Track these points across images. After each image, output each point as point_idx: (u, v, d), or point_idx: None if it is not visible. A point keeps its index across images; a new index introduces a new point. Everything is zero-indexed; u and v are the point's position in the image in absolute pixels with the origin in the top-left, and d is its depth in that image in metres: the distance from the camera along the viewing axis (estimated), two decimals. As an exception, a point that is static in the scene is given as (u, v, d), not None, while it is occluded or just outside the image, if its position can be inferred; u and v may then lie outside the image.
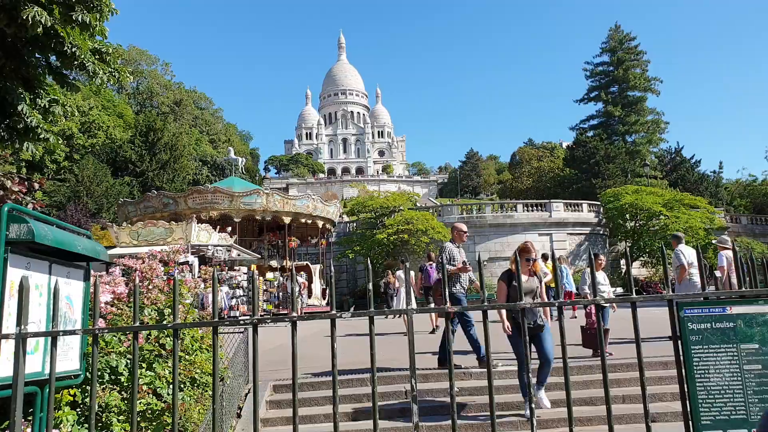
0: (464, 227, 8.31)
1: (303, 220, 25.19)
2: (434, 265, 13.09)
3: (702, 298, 2.44)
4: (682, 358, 2.34)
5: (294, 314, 2.38)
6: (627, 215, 34.39)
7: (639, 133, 60.22)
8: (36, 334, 2.18)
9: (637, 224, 34.61)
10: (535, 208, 34.74)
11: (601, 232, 36.20)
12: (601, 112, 62.38)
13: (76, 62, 11.00)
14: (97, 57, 11.54)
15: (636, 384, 6.66)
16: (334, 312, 2.45)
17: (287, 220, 23.93)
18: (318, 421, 6.23)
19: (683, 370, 2.35)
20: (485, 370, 7.12)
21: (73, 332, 2.28)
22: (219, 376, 5.48)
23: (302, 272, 27.09)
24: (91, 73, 11.42)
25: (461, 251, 8.21)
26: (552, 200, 36.05)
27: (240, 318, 13.73)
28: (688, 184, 52.22)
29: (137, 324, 2.21)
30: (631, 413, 5.88)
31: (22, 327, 2.06)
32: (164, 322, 4.88)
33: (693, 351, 2.30)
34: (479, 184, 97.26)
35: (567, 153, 62.17)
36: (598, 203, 37.05)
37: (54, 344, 2.10)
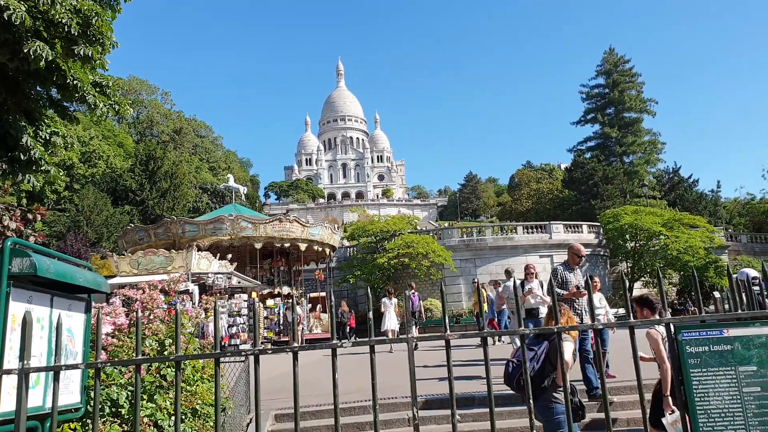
0: (581, 249, 7.51)
1: (315, 247, 25.19)
2: (416, 293, 13.79)
3: (699, 321, 2.46)
4: (682, 385, 2.35)
5: (295, 344, 2.40)
6: (627, 236, 34.40)
7: (636, 154, 60.59)
8: (38, 369, 2.19)
9: (638, 244, 34.60)
10: (535, 230, 34.77)
11: (602, 253, 36.17)
12: (598, 134, 62.89)
13: (76, 95, 11.14)
14: (97, 90, 11.69)
15: (638, 407, 6.62)
16: (335, 341, 2.47)
17: (303, 246, 23.97)
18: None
19: (683, 394, 2.36)
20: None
21: (75, 366, 2.29)
22: (221, 407, 5.45)
23: (317, 302, 26.92)
24: (91, 106, 11.56)
25: (577, 273, 7.41)
26: (552, 222, 36.09)
27: (242, 349, 13.66)
28: (686, 203, 52.35)
29: (140, 356, 2.22)
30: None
31: (25, 362, 2.07)
32: (165, 353, 4.87)
33: (692, 374, 2.31)
34: (479, 207, 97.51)
35: (565, 175, 62.51)
36: (598, 224, 37.10)
37: (56, 379, 2.12)
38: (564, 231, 34.88)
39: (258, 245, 22.07)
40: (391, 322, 16.98)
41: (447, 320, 2.57)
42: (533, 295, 8.38)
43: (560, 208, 55.47)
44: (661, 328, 6.70)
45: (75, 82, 10.77)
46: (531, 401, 2.46)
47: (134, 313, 5.23)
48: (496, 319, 13.52)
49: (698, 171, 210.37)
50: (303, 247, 24.01)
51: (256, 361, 2.38)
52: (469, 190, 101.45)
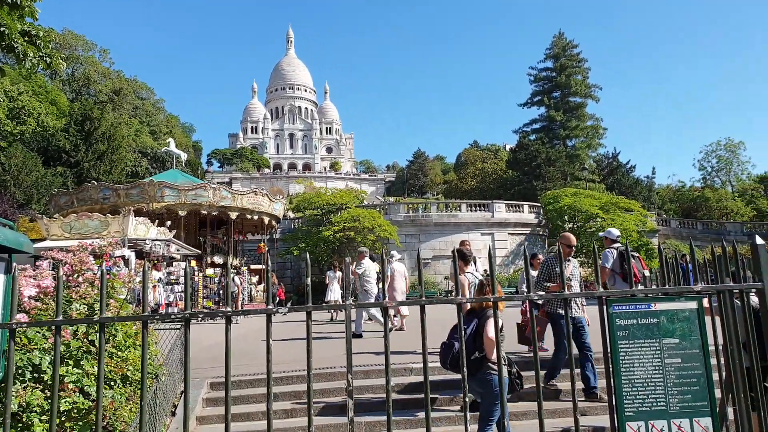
0: (572, 239, 7.05)
1: (248, 216, 24.60)
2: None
3: (630, 295, 2.55)
4: (609, 353, 2.44)
5: (228, 309, 2.32)
6: (566, 217, 35.64)
7: (579, 138, 62.41)
8: (-55, 329, 2.03)
9: (576, 225, 35.94)
10: (478, 208, 35.49)
11: (541, 233, 37.37)
12: (544, 117, 64.30)
13: (3, 43, 10.39)
14: (26, 39, 10.93)
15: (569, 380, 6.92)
16: (270, 307, 2.41)
17: (233, 215, 23.27)
18: (256, 418, 6.13)
19: (610, 365, 2.45)
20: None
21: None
22: (154, 374, 5.30)
23: (258, 274, 26.57)
24: (20, 55, 10.80)
25: (570, 265, 6.95)
26: (495, 201, 36.90)
27: (172, 313, 13.33)
28: (623, 188, 54.65)
29: (60, 318, 2.09)
30: (564, 407, 6.09)
31: (-70, 321, 1.91)
32: (94, 317, 4.67)
33: (620, 345, 2.40)
34: (426, 184, 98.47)
35: (510, 155, 63.91)
36: (539, 205, 38.22)
37: (-34, 339, 1.97)
38: (506, 210, 35.76)
39: (182, 213, 21.41)
40: (335, 293, 17.10)
41: (384, 287, 2.57)
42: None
43: (503, 188, 56.77)
44: (470, 276, 7.36)
45: (1, 28, 10.02)
46: (466, 373, 2.50)
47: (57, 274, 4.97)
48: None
49: (636, 157, 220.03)
50: (233, 215, 23.33)
51: (187, 326, 2.30)
52: (417, 167, 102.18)
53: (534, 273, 8.70)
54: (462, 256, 7.10)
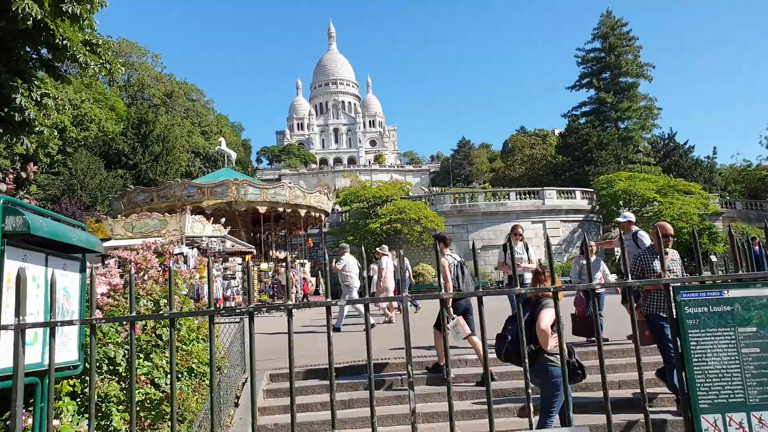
0: (669, 228, 6.28)
1: (300, 211, 25.19)
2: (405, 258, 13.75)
3: (698, 282, 2.46)
4: (679, 342, 2.36)
5: (289, 302, 2.38)
6: (620, 201, 34.55)
7: (632, 120, 60.21)
8: (34, 325, 2.17)
9: (631, 210, 34.82)
10: (528, 195, 34.85)
11: (595, 219, 36.37)
12: (594, 99, 62.32)
13: (67, 54, 10.91)
14: (88, 49, 11.45)
15: (631, 370, 6.73)
16: (329, 299, 2.46)
17: (262, 210, 23.98)
18: (315, 409, 6.26)
19: (681, 354, 2.37)
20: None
21: (70, 323, 2.28)
22: (216, 366, 5.49)
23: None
24: (82, 65, 11.32)
25: (669, 256, 6.17)
26: (545, 188, 36.16)
27: (237, 307, 13.74)
28: (681, 170, 52.38)
29: (134, 314, 2.20)
30: (627, 398, 5.94)
31: (21, 318, 2.05)
32: (160, 312, 4.88)
33: (690, 334, 2.32)
34: (471, 173, 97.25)
35: (559, 140, 62.31)
36: (591, 190, 37.19)
37: (53, 334, 2.10)
38: (557, 197, 34.98)
39: (262, 210, 22.44)
40: (374, 286, 17.35)
41: (441, 281, 2.57)
42: (524, 267, 7.72)
43: (553, 173, 55.45)
44: (449, 258, 7.38)
45: (65, 41, 10.51)
46: (527, 366, 2.48)
47: (128, 273, 5.22)
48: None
49: (694, 137, 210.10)
50: (302, 212, 24.22)
51: (251, 319, 2.38)
52: (462, 156, 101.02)
53: (591, 260, 8.48)
54: (442, 239, 7.35)
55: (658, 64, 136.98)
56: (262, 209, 22.46)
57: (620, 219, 8.26)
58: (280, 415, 6.18)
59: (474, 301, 6.91)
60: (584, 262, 8.38)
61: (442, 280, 2.51)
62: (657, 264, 5.79)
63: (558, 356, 4.61)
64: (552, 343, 4.55)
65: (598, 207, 36.15)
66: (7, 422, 3.49)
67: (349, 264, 11.87)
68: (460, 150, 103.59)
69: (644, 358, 5.56)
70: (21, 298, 2.08)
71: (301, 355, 7.92)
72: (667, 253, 5.96)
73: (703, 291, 2.32)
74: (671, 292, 2.39)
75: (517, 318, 4.68)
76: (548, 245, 2.70)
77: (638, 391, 5.67)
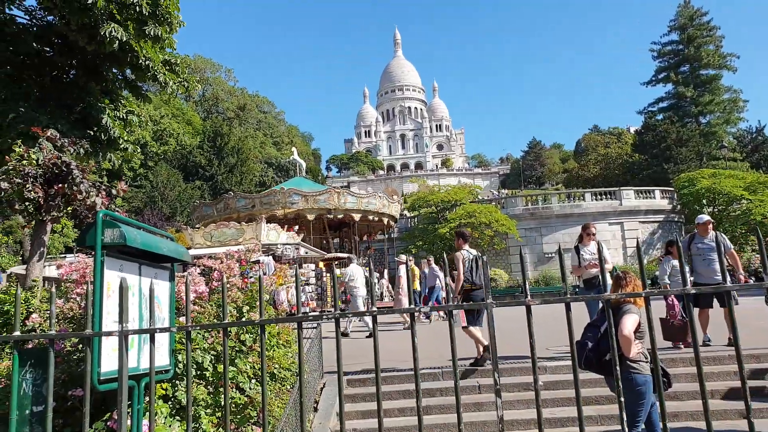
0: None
1: (369, 217, 25.74)
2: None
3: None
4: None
5: (374, 308, 2.41)
6: (704, 200, 32.53)
7: (714, 114, 56.81)
8: (137, 331, 2.31)
9: (716, 210, 32.71)
10: (604, 196, 33.48)
11: (676, 219, 34.48)
12: (672, 94, 59.33)
13: (149, 74, 11.62)
14: (167, 68, 12.14)
15: (727, 378, 6.32)
16: (413, 306, 2.46)
17: (357, 217, 24.73)
18: (392, 414, 6.27)
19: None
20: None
21: (168, 329, 2.40)
22: (296, 371, 5.63)
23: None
24: (162, 84, 12.02)
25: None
26: (622, 188, 34.65)
27: (324, 313, 14.04)
28: (772, 164, 48.84)
29: (226, 321, 2.30)
30: (722, 409, 5.58)
31: (124, 325, 2.18)
32: (243, 319, 5.06)
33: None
34: (543, 174, 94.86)
35: (635, 138, 59.62)
36: (672, 189, 35.31)
37: (152, 341, 2.22)
38: (635, 197, 33.43)
39: (339, 216, 23.19)
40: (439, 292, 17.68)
41: (527, 287, 2.51)
42: (592, 265, 7.41)
43: (630, 173, 53.10)
44: (465, 252, 7.49)
45: (147, 61, 11.20)
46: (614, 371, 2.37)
47: (213, 281, 5.45)
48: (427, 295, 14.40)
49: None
50: (371, 218, 24.75)
51: (337, 324, 2.42)
52: (533, 157, 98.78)
53: (675, 262, 8.03)
54: (461, 235, 7.85)
55: (743, 53, 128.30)
56: (311, 216, 23.15)
57: (699, 221, 7.95)
58: (358, 420, 6.24)
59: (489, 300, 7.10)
60: (674, 262, 7.96)
61: (454, 271, 2.50)
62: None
63: (641, 363, 4.40)
64: (634, 350, 4.35)
65: (679, 207, 34.25)
66: (108, 423, 3.73)
67: (354, 273, 12.34)
68: (530, 151, 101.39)
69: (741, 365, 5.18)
70: (123, 307, 2.22)
71: (385, 359, 7.99)
72: None
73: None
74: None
75: (596, 325, 4.53)
76: (638, 248, 2.58)
77: (725, 400, 5.31)
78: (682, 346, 7.54)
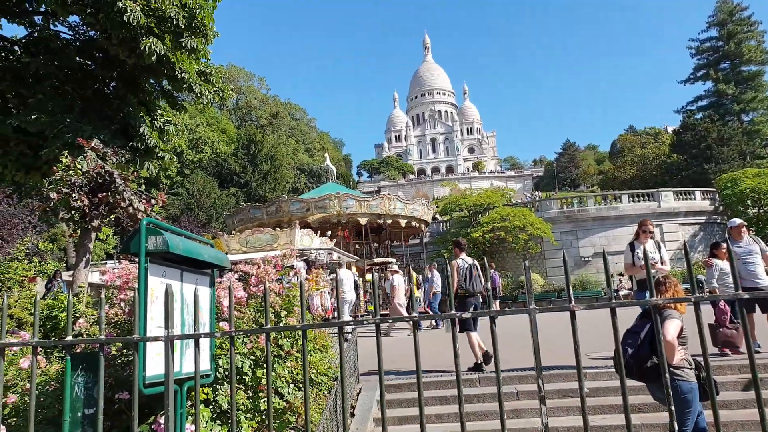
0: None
1: (400, 222, 25.95)
2: (495, 272, 14.39)
3: None
4: None
5: (415, 314, 2.40)
6: (748, 201, 31.44)
7: (757, 111, 55.00)
8: (182, 336, 2.35)
9: (762, 211, 31.56)
10: (641, 198, 32.67)
11: (718, 221, 33.39)
12: (711, 92, 57.70)
13: (185, 85, 11.89)
14: (203, 78, 12.40)
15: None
16: (453, 312, 2.44)
17: (403, 223, 25.41)
18: (429, 421, 6.23)
19: None
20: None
21: (212, 335, 2.44)
22: (333, 376, 5.65)
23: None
24: (198, 94, 12.28)
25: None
26: (660, 189, 33.75)
27: (365, 318, 14.17)
28: (822, 163, 46.89)
29: (269, 326, 2.32)
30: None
31: (170, 330, 2.23)
32: (280, 324, 5.11)
33: None
34: (578, 176, 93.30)
35: (673, 138, 58.09)
36: (713, 190, 34.24)
37: (197, 345, 2.26)
38: (674, 198, 32.52)
39: (363, 221, 23.52)
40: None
41: (571, 292, 2.46)
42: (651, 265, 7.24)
43: (668, 174, 51.76)
44: (461, 261, 8.09)
45: (183, 73, 11.47)
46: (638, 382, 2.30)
47: (251, 287, 5.52)
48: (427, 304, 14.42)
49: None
50: (403, 223, 25.08)
51: (378, 330, 2.41)
52: (567, 159, 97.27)
53: (722, 264, 7.77)
54: (457, 245, 8.58)
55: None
56: (363, 221, 23.48)
57: (731, 224, 7.80)
58: (396, 426, 6.22)
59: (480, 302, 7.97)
60: (722, 265, 7.70)
61: (450, 279, 2.48)
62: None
63: (685, 370, 4.27)
64: (678, 356, 4.23)
65: (721, 208, 33.16)
66: (152, 425, 3.81)
67: (342, 278, 12.80)
68: (564, 153, 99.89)
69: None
70: (169, 312, 2.26)
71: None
72: None
73: None
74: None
75: (635, 331, 4.40)
76: (686, 251, 2.50)
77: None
78: (730, 353, 7.29)
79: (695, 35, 61.09)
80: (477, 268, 8.00)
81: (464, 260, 8.15)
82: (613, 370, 6.17)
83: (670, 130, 74.41)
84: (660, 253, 7.06)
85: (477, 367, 7.48)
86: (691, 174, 47.46)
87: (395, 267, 14.34)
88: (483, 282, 7.67)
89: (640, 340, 4.36)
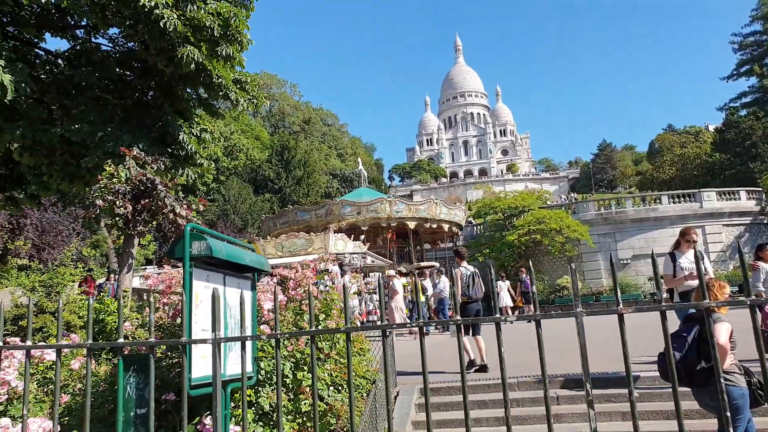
0: None
1: (428, 225, 26.53)
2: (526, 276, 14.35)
3: None
4: None
5: (458, 317, 2.38)
6: (797, 201, 30.27)
7: (805, 107, 52.92)
8: (229, 339, 2.40)
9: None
10: (682, 198, 31.74)
11: (765, 222, 32.19)
12: (756, 88, 55.86)
13: (221, 92, 12.13)
14: (238, 86, 12.63)
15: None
16: (498, 315, 2.42)
17: (446, 227, 26.16)
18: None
19: None
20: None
21: (258, 337, 2.48)
22: (372, 379, 5.66)
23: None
24: (233, 102, 12.51)
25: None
26: (702, 189, 32.73)
27: (408, 322, 14.21)
28: None
29: (313, 329, 2.34)
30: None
31: (216, 333, 2.27)
32: (319, 327, 5.15)
33: None
34: (615, 177, 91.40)
35: (715, 136, 56.32)
36: (759, 189, 33.03)
37: (243, 348, 2.30)
38: (717, 198, 31.48)
39: (412, 225, 24.39)
40: (506, 300, 19.63)
41: (619, 294, 2.41)
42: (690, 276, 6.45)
43: (710, 173, 50.18)
44: (463, 269, 8.33)
45: (219, 80, 11.70)
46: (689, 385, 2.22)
47: (289, 290, 5.58)
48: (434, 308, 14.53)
49: None
50: (446, 227, 25.82)
51: (421, 333, 2.41)
52: (603, 160, 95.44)
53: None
54: (458, 254, 8.83)
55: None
56: (412, 224, 24.18)
57: None
58: (433, 430, 6.19)
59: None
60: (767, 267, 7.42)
61: (454, 288, 2.44)
62: None
63: (735, 375, 4.15)
64: (728, 361, 4.10)
65: (768, 208, 32.01)
66: (197, 426, 3.88)
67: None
68: (601, 154, 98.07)
69: None
70: (216, 315, 2.31)
71: (455, 369, 7.92)
72: None
73: None
74: None
75: (682, 335, 4.28)
76: (740, 252, 2.42)
77: None
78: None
79: (737, 30, 59.26)
80: (478, 276, 8.50)
81: (466, 268, 8.56)
82: (656, 374, 6.00)
83: (711, 128, 72.19)
84: (703, 263, 6.63)
85: (482, 368, 8.07)
86: (735, 173, 45.93)
87: (392, 272, 14.84)
88: (483, 289, 8.36)
89: (687, 344, 4.26)
